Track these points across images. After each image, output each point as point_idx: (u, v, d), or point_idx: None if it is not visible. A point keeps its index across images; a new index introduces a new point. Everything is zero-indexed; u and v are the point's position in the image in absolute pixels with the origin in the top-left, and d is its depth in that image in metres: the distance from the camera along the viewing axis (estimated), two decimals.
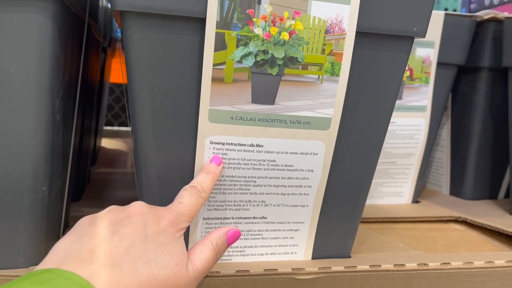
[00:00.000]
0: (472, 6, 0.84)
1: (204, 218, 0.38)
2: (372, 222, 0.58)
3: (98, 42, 0.63)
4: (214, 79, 0.34)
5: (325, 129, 0.37)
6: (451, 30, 0.61)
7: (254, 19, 0.34)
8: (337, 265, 0.41)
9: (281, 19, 0.34)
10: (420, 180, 0.68)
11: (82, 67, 0.46)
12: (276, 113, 0.36)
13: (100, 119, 0.89)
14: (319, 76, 0.36)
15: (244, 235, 0.40)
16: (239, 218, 0.39)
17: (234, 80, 0.35)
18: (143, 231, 0.30)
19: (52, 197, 0.39)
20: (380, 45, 0.37)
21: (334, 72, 0.36)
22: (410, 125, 0.64)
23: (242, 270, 0.38)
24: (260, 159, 0.37)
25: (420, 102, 0.63)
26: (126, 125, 1.32)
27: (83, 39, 0.46)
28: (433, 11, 0.41)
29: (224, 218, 0.39)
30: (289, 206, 0.40)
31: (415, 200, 0.69)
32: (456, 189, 0.73)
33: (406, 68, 0.59)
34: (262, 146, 0.37)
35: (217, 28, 0.33)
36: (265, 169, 0.38)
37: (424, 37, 0.38)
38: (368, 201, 0.64)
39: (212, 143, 0.36)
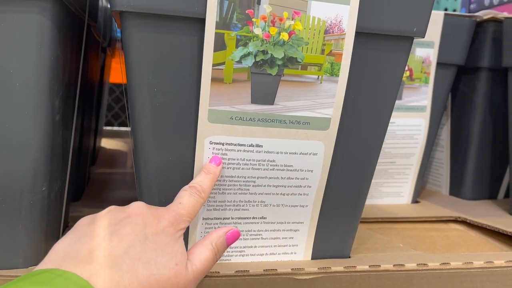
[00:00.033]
0: (472, 6, 0.84)
1: (203, 218, 0.38)
2: (372, 222, 0.58)
3: (97, 42, 0.63)
4: (214, 79, 0.34)
5: (324, 129, 0.37)
6: (450, 30, 0.61)
7: (253, 19, 0.34)
8: (337, 265, 0.41)
9: (281, 19, 0.34)
10: (420, 180, 0.68)
11: (82, 67, 0.46)
12: (276, 113, 0.36)
13: (100, 119, 0.89)
14: (318, 76, 0.36)
15: (244, 235, 0.40)
16: (239, 218, 0.39)
17: (234, 80, 0.35)
18: (142, 231, 0.30)
19: (51, 197, 0.39)
20: (380, 45, 0.37)
21: (333, 72, 0.36)
22: (409, 125, 0.64)
23: (241, 270, 0.38)
24: (259, 159, 0.37)
25: (420, 102, 0.63)
26: (126, 125, 1.32)
27: (83, 39, 0.46)
28: (433, 11, 0.41)
29: (224, 218, 0.39)
30: (289, 206, 0.40)
31: (415, 200, 0.69)
32: (456, 189, 0.73)
33: (406, 68, 0.59)
34: (262, 146, 0.37)
35: (216, 28, 0.33)
36: (264, 169, 0.38)
37: (424, 37, 0.38)
38: (368, 201, 0.64)
39: (211, 143, 0.36)
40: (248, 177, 0.38)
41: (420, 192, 0.73)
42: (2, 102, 0.34)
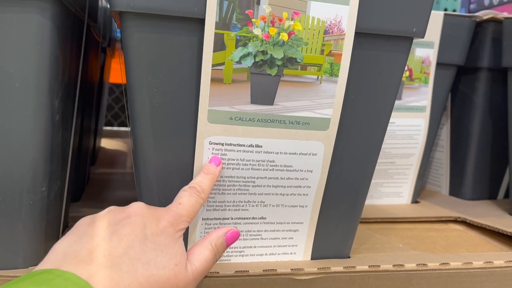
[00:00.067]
0: (472, 6, 0.84)
1: (203, 219, 0.38)
2: (372, 223, 0.58)
3: (97, 42, 0.63)
4: (213, 80, 0.34)
5: (324, 129, 0.37)
6: (450, 31, 0.61)
7: (253, 20, 0.34)
8: (336, 266, 0.41)
9: (280, 20, 0.34)
10: (420, 180, 0.68)
11: (82, 68, 0.46)
12: (275, 114, 0.36)
13: (100, 119, 0.89)
14: (318, 76, 0.36)
15: (243, 235, 0.40)
16: (238, 218, 0.39)
17: (233, 80, 0.35)
18: (142, 231, 0.30)
19: (51, 197, 0.39)
20: (379, 46, 0.37)
21: (333, 72, 0.36)
22: (409, 126, 0.64)
23: (241, 271, 0.38)
24: (259, 160, 0.37)
25: (420, 102, 0.63)
26: (125, 125, 1.32)
27: (82, 40, 0.46)
28: (433, 11, 0.41)
29: (223, 219, 0.39)
30: (288, 206, 0.40)
31: (415, 200, 0.69)
32: (456, 189, 0.73)
33: (406, 68, 0.59)
34: (261, 146, 0.37)
35: (216, 28, 0.33)
36: (264, 170, 0.38)
37: (423, 38, 0.38)
38: (368, 201, 0.64)
39: (211, 144, 0.36)
40: (248, 178, 0.38)
41: (420, 192, 0.74)
42: (1, 102, 0.34)
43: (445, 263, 0.43)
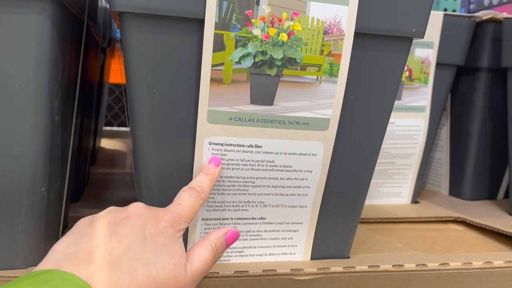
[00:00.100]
0: (471, 6, 0.84)
1: (203, 219, 0.38)
2: (371, 223, 0.58)
3: (97, 42, 0.63)
4: (213, 80, 0.34)
5: (323, 129, 0.37)
6: (450, 31, 0.61)
7: (252, 20, 0.34)
8: (336, 266, 0.41)
9: (280, 20, 0.34)
10: (419, 180, 0.68)
11: (81, 68, 0.46)
12: (275, 114, 0.36)
13: (100, 119, 0.89)
14: (317, 77, 0.36)
15: (243, 235, 0.40)
16: (238, 218, 0.39)
17: (233, 81, 0.35)
18: (142, 232, 0.30)
19: (51, 197, 0.39)
20: (379, 46, 0.37)
21: (332, 73, 0.36)
22: (409, 126, 0.64)
23: (241, 271, 0.38)
24: (258, 160, 0.37)
25: (419, 102, 0.63)
26: (125, 126, 1.32)
27: (82, 40, 0.46)
28: (432, 12, 0.41)
29: (223, 219, 0.39)
30: (288, 206, 0.40)
31: (414, 201, 0.69)
32: (455, 190, 0.73)
33: (405, 68, 0.60)
34: (261, 146, 0.37)
35: (215, 29, 0.33)
36: (263, 170, 0.38)
37: (423, 38, 0.38)
38: (367, 202, 0.64)
39: (210, 144, 0.36)
40: (247, 178, 0.38)
41: (419, 193, 0.74)
42: (1, 103, 0.34)
43: (445, 263, 0.43)
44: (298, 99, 0.36)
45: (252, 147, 0.37)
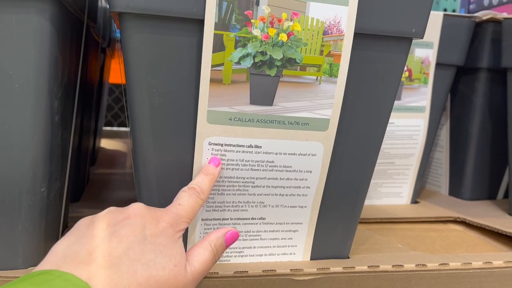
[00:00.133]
0: (471, 6, 0.84)
1: (202, 219, 0.38)
2: (371, 223, 0.58)
3: (97, 42, 0.63)
4: (213, 80, 0.34)
5: (323, 130, 0.37)
6: (450, 31, 0.61)
7: (252, 21, 0.34)
8: (336, 266, 0.41)
9: (279, 21, 0.34)
10: (419, 180, 0.68)
11: (81, 68, 0.46)
12: (275, 114, 0.36)
13: (100, 119, 0.89)
14: (317, 77, 0.36)
15: (243, 236, 0.40)
16: (238, 219, 0.39)
17: (233, 81, 0.35)
18: (141, 232, 0.30)
19: (51, 198, 0.39)
20: (378, 46, 0.37)
21: (332, 73, 0.36)
22: (409, 126, 0.64)
23: (240, 271, 0.39)
24: (258, 160, 0.37)
25: (419, 102, 0.63)
26: (125, 126, 1.32)
27: (82, 40, 0.46)
28: (432, 12, 0.41)
29: (223, 219, 0.39)
30: (288, 207, 0.40)
31: (414, 201, 0.69)
32: (455, 190, 0.73)
33: (405, 68, 0.59)
34: (261, 147, 0.37)
35: (215, 29, 0.33)
36: (263, 170, 0.38)
37: (422, 38, 0.38)
38: (367, 202, 0.64)
39: (210, 144, 0.36)
40: (247, 178, 0.38)
41: (419, 193, 0.74)
42: (1, 103, 0.34)
43: (444, 264, 0.43)
44: (297, 99, 0.36)
45: (252, 147, 0.37)
